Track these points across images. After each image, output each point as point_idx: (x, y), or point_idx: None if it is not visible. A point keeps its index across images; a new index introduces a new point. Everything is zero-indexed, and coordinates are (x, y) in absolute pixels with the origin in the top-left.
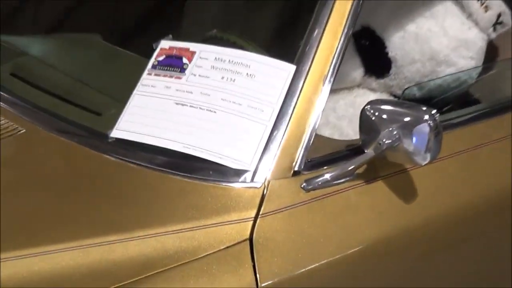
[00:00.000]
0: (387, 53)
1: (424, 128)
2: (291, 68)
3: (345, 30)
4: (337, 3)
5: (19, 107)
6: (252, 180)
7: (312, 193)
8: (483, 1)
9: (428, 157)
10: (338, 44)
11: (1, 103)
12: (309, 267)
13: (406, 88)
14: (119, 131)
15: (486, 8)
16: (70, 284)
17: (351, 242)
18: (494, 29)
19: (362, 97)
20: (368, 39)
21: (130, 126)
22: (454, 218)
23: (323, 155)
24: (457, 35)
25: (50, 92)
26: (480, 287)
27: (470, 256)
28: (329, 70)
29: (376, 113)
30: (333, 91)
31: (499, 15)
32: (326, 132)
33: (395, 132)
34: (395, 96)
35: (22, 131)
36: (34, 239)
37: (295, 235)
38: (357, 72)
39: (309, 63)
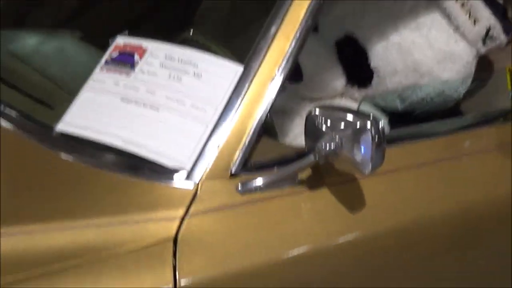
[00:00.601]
0: (369, 63)
1: (368, 137)
2: (238, 68)
3: (299, 33)
4: (293, 4)
5: None
6: (186, 179)
7: (248, 196)
8: (468, 10)
9: (370, 165)
10: (290, 47)
11: None
12: (234, 270)
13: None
14: (64, 125)
15: (475, 21)
16: None
17: (283, 249)
18: (484, 43)
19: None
20: (351, 48)
21: (75, 120)
22: (400, 233)
23: (267, 159)
24: (442, 48)
25: (10, 83)
26: None
27: (413, 273)
28: (277, 73)
29: (322, 119)
30: (315, 100)
31: (488, 29)
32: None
33: (337, 139)
34: (377, 106)
35: None
36: None
37: (225, 237)
38: (339, 82)
39: (258, 64)
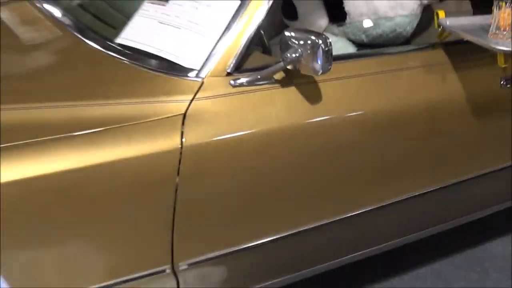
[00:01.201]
0: (343, 7)
1: (320, 50)
2: (236, 3)
3: None
4: None
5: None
6: (196, 76)
7: (238, 89)
8: None
9: (321, 69)
10: None
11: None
12: (225, 137)
13: None
14: (121, 39)
15: None
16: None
17: (262, 125)
18: None
19: None
20: None
21: (128, 36)
22: (347, 121)
23: (254, 65)
24: None
25: (88, 10)
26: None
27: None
28: (264, 4)
29: (291, 37)
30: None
31: None
32: None
33: (299, 50)
34: (350, 39)
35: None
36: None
37: (221, 115)
38: (323, 21)
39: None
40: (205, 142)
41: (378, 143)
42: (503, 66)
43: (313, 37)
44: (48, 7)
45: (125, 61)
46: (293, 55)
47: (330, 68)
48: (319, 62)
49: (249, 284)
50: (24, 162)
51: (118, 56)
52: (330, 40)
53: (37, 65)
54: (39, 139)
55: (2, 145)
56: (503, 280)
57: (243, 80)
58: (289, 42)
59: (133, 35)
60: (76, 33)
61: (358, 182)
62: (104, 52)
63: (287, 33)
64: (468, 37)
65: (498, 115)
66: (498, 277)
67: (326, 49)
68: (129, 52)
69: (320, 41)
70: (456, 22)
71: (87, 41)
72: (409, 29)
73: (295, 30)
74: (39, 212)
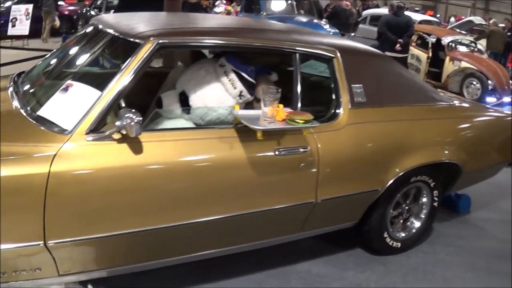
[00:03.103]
0: (189, 102)
1: (134, 121)
2: (97, 92)
3: (127, 82)
4: (127, 67)
5: None
6: (68, 133)
7: (91, 142)
8: (232, 82)
9: (134, 133)
10: (123, 86)
11: None
12: (80, 170)
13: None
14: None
15: (235, 88)
16: None
17: (101, 164)
18: (240, 98)
19: (176, 122)
20: (183, 95)
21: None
22: (163, 168)
23: (104, 129)
24: (220, 98)
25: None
26: None
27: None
28: (112, 97)
29: (123, 112)
30: (165, 117)
31: (241, 92)
32: None
33: (125, 121)
34: (194, 122)
35: None
36: None
37: (78, 157)
38: (178, 110)
39: (106, 92)
40: (65, 170)
41: (185, 182)
42: (260, 139)
43: (131, 115)
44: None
45: (32, 122)
46: (121, 124)
47: (141, 133)
48: (134, 129)
49: (110, 265)
50: None
51: (29, 118)
52: (139, 116)
53: None
54: None
55: None
56: None
57: (95, 137)
58: (122, 116)
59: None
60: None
61: (177, 204)
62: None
63: (121, 111)
64: (243, 121)
65: (273, 172)
66: None
67: (137, 121)
68: (36, 115)
69: (135, 116)
70: (245, 112)
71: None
72: (230, 118)
73: (124, 110)
74: None
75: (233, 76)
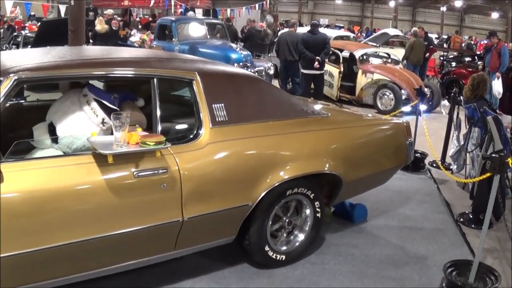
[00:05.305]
0: (56, 133)
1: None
2: None
3: None
4: None
5: None
6: None
7: None
8: (93, 110)
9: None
10: None
11: None
12: None
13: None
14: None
15: (97, 115)
16: None
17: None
18: (103, 125)
19: (47, 152)
20: (52, 126)
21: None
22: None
23: None
24: (83, 126)
25: None
26: None
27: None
28: None
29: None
30: (39, 148)
31: (103, 119)
32: None
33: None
34: (63, 151)
35: None
36: None
37: None
38: (48, 140)
39: None
40: None
41: (44, 208)
42: (112, 163)
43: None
44: None
45: None
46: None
47: None
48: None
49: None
50: None
51: None
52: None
53: None
54: None
55: None
56: None
57: None
58: None
59: None
60: None
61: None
62: None
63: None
64: (95, 147)
65: (133, 194)
66: None
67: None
68: None
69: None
70: (101, 139)
71: None
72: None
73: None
74: None
75: (94, 104)
